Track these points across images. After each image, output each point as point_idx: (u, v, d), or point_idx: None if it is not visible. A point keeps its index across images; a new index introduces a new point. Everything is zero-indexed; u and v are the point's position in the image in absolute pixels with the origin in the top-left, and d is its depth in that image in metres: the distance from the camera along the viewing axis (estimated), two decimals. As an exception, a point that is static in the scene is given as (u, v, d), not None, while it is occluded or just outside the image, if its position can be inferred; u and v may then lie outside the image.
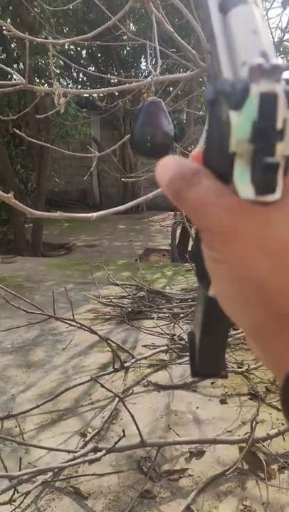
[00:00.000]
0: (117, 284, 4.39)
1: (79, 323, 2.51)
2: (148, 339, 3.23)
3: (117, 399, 2.38)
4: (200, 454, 2.04)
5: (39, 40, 1.86)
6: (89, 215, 1.44)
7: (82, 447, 1.99)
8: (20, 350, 3.07)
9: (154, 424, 2.26)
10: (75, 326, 2.58)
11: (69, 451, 1.90)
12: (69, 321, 2.56)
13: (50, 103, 6.38)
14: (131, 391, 2.55)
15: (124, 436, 1.76)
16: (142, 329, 3.40)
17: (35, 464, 1.92)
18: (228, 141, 0.23)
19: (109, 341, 2.48)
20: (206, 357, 0.42)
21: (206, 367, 0.43)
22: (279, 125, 0.22)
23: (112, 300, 3.94)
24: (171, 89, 8.20)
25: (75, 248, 7.75)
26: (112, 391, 2.13)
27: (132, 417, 1.88)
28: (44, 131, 7.19)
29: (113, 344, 2.76)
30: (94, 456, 1.77)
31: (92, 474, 1.87)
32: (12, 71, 2.03)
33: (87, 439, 2.07)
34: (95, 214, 1.46)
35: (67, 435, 2.16)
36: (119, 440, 1.77)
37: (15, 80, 2.03)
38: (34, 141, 2.81)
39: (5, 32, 1.58)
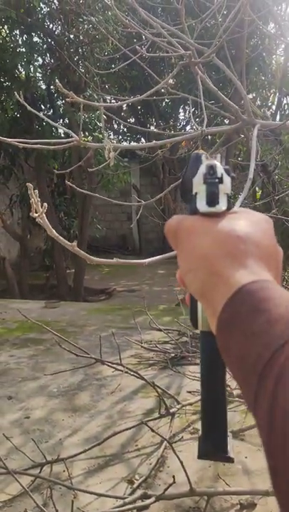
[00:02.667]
0: (159, 329, 4.43)
1: (126, 368, 2.57)
2: (192, 385, 3.22)
3: (164, 445, 2.38)
4: (251, 506, 2.00)
5: (92, 103, 2.05)
6: (142, 261, 1.55)
7: (131, 494, 2.00)
8: (66, 395, 3.13)
9: (202, 473, 2.24)
10: (121, 371, 2.63)
11: (118, 498, 1.92)
12: (116, 365, 2.62)
13: (93, 153, 6.74)
14: (178, 437, 2.55)
15: (174, 482, 1.76)
16: (186, 375, 3.40)
17: (84, 510, 1.94)
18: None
19: (155, 386, 2.51)
20: (211, 429, 0.46)
21: (211, 443, 0.45)
22: (218, 175, 0.43)
23: (155, 345, 3.97)
24: (209, 137, 8.49)
25: (116, 293, 7.88)
26: (160, 435, 2.14)
27: (181, 463, 1.89)
28: (87, 180, 7.55)
29: (158, 390, 2.79)
30: (143, 504, 1.78)
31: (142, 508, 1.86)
32: (59, 126, 2.23)
33: (135, 485, 2.08)
34: (147, 260, 1.56)
35: (114, 481, 2.17)
36: (169, 486, 1.78)
37: (61, 133, 2.22)
38: (79, 190, 3.00)
39: (59, 89, 1.76)
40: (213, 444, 0.46)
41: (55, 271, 8.23)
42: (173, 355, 3.78)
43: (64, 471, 2.20)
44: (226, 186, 0.43)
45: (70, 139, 2.13)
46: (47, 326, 4.67)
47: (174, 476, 1.79)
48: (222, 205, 0.42)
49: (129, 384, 3.24)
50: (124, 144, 12.55)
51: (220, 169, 0.44)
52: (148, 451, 2.44)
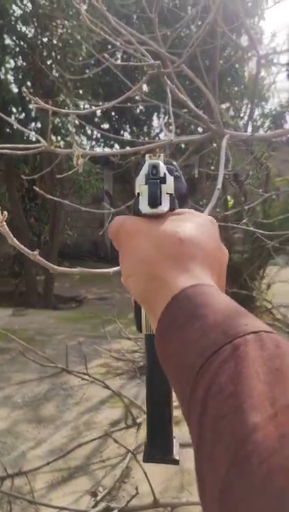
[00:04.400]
0: (129, 338, 4.42)
1: (92, 377, 2.55)
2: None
3: (129, 456, 2.37)
4: None
5: (63, 111, 2.05)
6: (107, 270, 1.55)
7: (94, 507, 1.98)
8: (31, 405, 3.09)
9: (167, 483, 2.24)
10: (87, 380, 2.61)
11: (80, 511, 1.90)
12: (82, 375, 2.60)
13: (65, 159, 6.72)
14: (143, 449, 2.54)
15: (137, 493, 1.76)
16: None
17: (46, 524, 1.91)
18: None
19: (122, 396, 2.51)
20: (156, 432, 0.46)
21: (157, 446, 0.46)
22: (161, 175, 0.42)
23: (124, 354, 3.97)
24: (183, 145, 8.59)
25: (86, 301, 7.82)
26: (125, 447, 2.14)
27: (145, 473, 1.88)
28: (58, 185, 7.50)
29: (125, 399, 2.78)
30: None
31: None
32: (30, 131, 2.22)
33: (98, 498, 2.06)
34: (112, 270, 1.57)
35: (77, 494, 2.15)
36: (132, 498, 1.77)
37: (32, 138, 2.21)
38: (49, 196, 2.98)
39: (33, 106, 1.76)
40: (159, 447, 0.46)
41: (24, 277, 8.12)
42: (142, 364, 3.78)
43: (26, 484, 2.16)
44: (168, 186, 0.42)
45: (38, 145, 2.12)
46: (14, 335, 4.60)
47: (136, 488, 1.78)
48: (164, 206, 0.41)
49: (96, 394, 3.22)
50: (97, 150, 12.56)
51: (162, 169, 0.43)
52: (113, 462, 2.43)
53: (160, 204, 0.41)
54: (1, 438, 2.64)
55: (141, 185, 0.43)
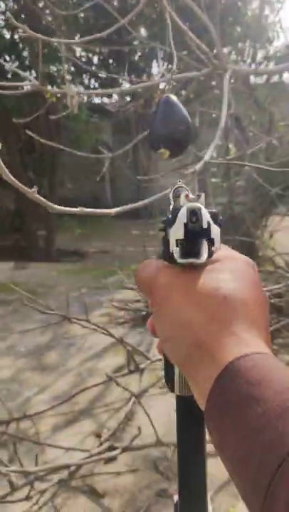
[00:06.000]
0: (131, 288, 4.42)
1: (94, 324, 2.55)
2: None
3: (132, 400, 2.40)
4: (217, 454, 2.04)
5: (53, 40, 1.92)
6: (108, 210, 1.48)
7: (98, 447, 2.02)
8: (34, 354, 3.11)
9: (170, 426, 2.27)
10: (88, 327, 2.61)
11: (84, 451, 1.93)
12: (83, 322, 2.60)
13: (61, 108, 6.50)
14: (146, 392, 2.57)
15: (139, 433, 1.78)
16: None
17: (51, 464, 1.95)
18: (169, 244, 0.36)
19: (124, 343, 2.51)
20: (190, 495, 0.41)
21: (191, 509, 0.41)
22: (204, 225, 0.34)
23: (127, 304, 3.97)
24: (183, 92, 8.28)
25: (88, 255, 7.81)
26: (129, 390, 2.15)
27: (148, 415, 1.90)
28: (56, 137, 7.30)
29: (128, 347, 2.79)
30: (109, 454, 1.80)
31: (108, 473, 1.89)
32: (25, 74, 2.10)
33: (102, 439, 2.10)
34: (114, 210, 1.50)
35: (82, 436, 2.19)
36: (135, 438, 1.80)
37: (28, 86, 2.09)
38: (48, 142, 2.87)
39: (20, 34, 1.64)
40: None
41: (25, 232, 8.08)
42: (144, 313, 3.79)
43: (31, 427, 2.20)
44: (214, 237, 0.35)
45: (28, 83, 2.01)
46: (15, 287, 4.61)
47: (139, 427, 1.80)
48: (203, 256, 0.34)
49: (98, 342, 3.24)
50: (95, 100, 12.14)
51: (205, 216, 0.34)
52: (117, 406, 2.46)
53: (200, 254, 0.35)
54: (5, 385, 2.68)
55: (177, 235, 0.35)
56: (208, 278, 0.35)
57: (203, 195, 0.36)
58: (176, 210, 0.36)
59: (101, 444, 2.00)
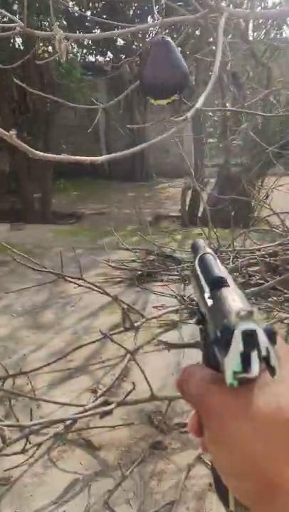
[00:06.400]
0: (127, 249, 4.38)
1: (87, 282, 2.51)
2: (158, 300, 3.23)
3: (128, 356, 2.39)
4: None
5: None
6: (95, 158, 1.40)
7: (93, 402, 2.02)
8: (31, 313, 3.09)
9: (165, 381, 2.27)
10: (84, 286, 2.57)
11: (80, 406, 1.93)
12: (77, 281, 2.56)
13: (54, 66, 6.24)
14: (141, 350, 2.56)
15: (134, 388, 1.77)
16: (152, 291, 3.40)
17: (47, 419, 1.95)
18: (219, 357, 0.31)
19: (119, 301, 2.48)
20: None
21: None
22: (263, 352, 0.29)
23: (123, 264, 3.93)
24: (179, 49, 7.98)
25: (85, 216, 7.72)
26: (124, 347, 2.14)
27: (142, 372, 1.89)
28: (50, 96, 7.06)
29: (123, 305, 2.77)
30: (105, 409, 1.79)
31: (103, 427, 1.89)
32: (14, 17, 1.95)
33: (98, 394, 2.10)
34: (101, 158, 1.42)
35: (78, 392, 2.19)
36: (129, 393, 1.79)
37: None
38: (40, 94, 2.72)
39: None
40: None
41: (21, 195, 7.94)
42: (140, 272, 3.76)
43: (27, 384, 2.19)
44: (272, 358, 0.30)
45: (14, 25, 1.87)
46: (12, 248, 4.54)
47: (133, 383, 1.79)
48: (256, 369, 0.30)
49: (94, 301, 3.22)
50: (90, 58, 11.70)
51: (263, 341, 0.29)
52: (112, 363, 2.46)
53: (252, 368, 0.30)
54: (2, 343, 2.67)
55: (232, 364, 0.30)
56: (266, 397, 0.30)
57: (256, 309, 0.30)
58: (226, 329, 0.30)
59: (96, 399, 2.00)
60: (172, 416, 2.00)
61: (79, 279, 2.53)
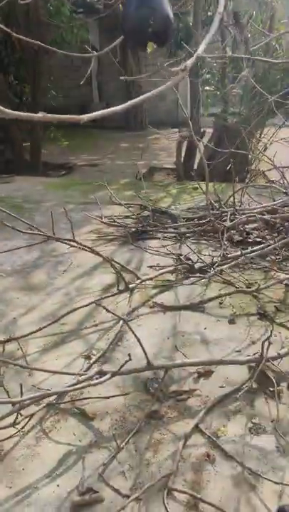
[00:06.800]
0: (120, 204, 4.20)
1: (79, 244, 2.37)
2: (153, 259, 3.11)
3: (121, 322, 2.30)
4: (208, 374, 1.99)
5: None
6: (79, 117, 1.22)
7: (87, 370, 1.94)
8: (21, 272, 2.96)
9: (161, 345, 2.20)
10: (75, 247, 2.43)
11: (73, 374, 1.85)
12: (69, 242, 2.41)
13: (42, 4, 5.75)
14: (136, 313, 2.47)
15: (130, 359, 1.68)
16: (146, 249, 3.27)
17: (40, 387, 1.88)
18: None
19: (112, 262, 2.35)
20: None
21: None
22: None
23: (116, 220, 3.77)
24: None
25: (76, 168, 7.43)
26: (116, 315, 2.04)
27: (138, 340, 1.79)
28: (38, 37, 6.56)
29: (117, 265, 2.65)
30: (99, 381, 1.71)
31: (98, 397, 1.82)
32: None
33: (91, 361, 2.02)
34: (85, 116, 1.24)
35: (71, 357, 2.11)
36: (124, 364, 1.70)
37: None
38: (30, 40, 2.44)
39: None
40: None
41: (10, 144, 7.58)
42: (134, 229, 3.61)
43: (18, 349, 2.10)
44: None
45: None
46: (0, 202, 4.35)
47: (129, 354, 1.70)
48: None
49: (87, 260, 3.09)
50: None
51: None
52: (107, 326, 2.37)
53: None
54: (-9, 305, 2.55)
55: None
56: None
57: None
58: None
59: (90, 366, 1.92)
60: (169, 383, 1.94)
61: (71, 240, 2.38)
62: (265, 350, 1.90)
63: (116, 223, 3.73)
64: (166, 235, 3.54)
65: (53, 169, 7.55)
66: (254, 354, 2.02)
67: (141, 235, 3.54)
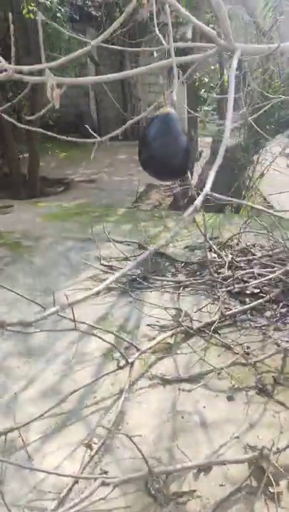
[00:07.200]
0: (119, 242, 4.18)
1: (83, 328, 2.34)
2: (152, 314, 3.07)
3: (123, 397, 2.29)
4: (208, 469, 1.98)
5: None
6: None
7: (89, 461, 1.93)
8: (20, 334, 2.91)
9: (160, 430, 2.18)
10: (80, 327, 2.40)
11: (75, 477, 1.83)
12: (70, 330, 2.38)
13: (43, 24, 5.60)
14: (136, 385, 2.46)
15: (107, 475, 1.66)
16: (145, 302, 3.25)
17: (40, 485, 1.87)
18: None
19: (113, 342, 2.33)
20: None
21: None
22: None
23: (114, 266, 3.74)
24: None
25: (73, 184, 7.37)
26: (118, 392, 2.01)
27: (136, 445, 1.78)
28: (37, 57, 6.43)
29: (116, 323, 2.62)
30: (100, 497, 1.70)
31: (98, 500, 1.80)
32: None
33: (93, 452, 2.01)
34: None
35: (72, 446, 2.09)
36: (125, 480, 1.68)
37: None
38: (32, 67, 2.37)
39: None
40: None
41: (6, 159, 7.48)
42: (133, 277, 3.57)
43: (19, 436, 2.09)
44: None
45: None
46: (0, 239, 4.30)
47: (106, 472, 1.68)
48: None
49: (87, 315, 3.07)
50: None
51: None
52: (107, 404, 2.34)
53: None
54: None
55: None
56: None
57: None
58: None
59: (92, 458, 1.90)
60: (170, 480, 1.93)
61: (71, 320, 2.35)
62: (263, 451, 1.89)
63: (114, 269, 3.70)
64: (164, 283, 3.51)
65: (51, 185, 7.48)
66: (253, 449, 2.01)
67: (140, 284, 3.51)
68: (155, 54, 2.50)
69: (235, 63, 1.64)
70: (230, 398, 2.39)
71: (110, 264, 3.80)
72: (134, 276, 3.58)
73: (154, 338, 2.86)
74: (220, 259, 3.75)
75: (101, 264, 3.79)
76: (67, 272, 3.72)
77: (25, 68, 1.69)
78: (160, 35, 2.02)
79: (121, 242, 4.24)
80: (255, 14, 4.55)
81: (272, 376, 2.53)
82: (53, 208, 5.38)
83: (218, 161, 1.44)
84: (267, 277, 3.36)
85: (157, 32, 2.04)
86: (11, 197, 6.66)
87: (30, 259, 3.95)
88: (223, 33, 1.63)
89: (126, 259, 3.88)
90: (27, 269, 3.77)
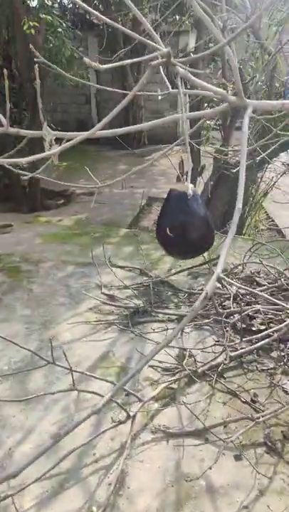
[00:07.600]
0: (121, 267, 4.02)
1: (80, 372, 2.17)
2: (155, 359, 2.90)
3: (124, 456, 2.13)
4: None
5: None
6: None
7: None
8: (17, 374, 2.74)
9: (164, 497, 2.01)
10: (78, 373, 2.23)
11: None
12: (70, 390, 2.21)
13: (42, 41, 5.43)
14: (138, 438, 2.29)
15: None
16: (148, 339, 3.09)
17: None
18: None
19: (113, 399, 2.16)
20: None
21: None
22: None
23: (115, 295, 3.57)
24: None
25: (74, 197, 7.19)
26: (118, 452, 1.84)
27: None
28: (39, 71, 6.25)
29: (117, 363, 2.45)
30: None
31: None
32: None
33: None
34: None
35: (70, 515, 1.92)
36: None
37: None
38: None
39: None
40: None
41: (7, 170, 7.29)
42: (133, 310, 3.41)
43: (12, 504, 1.92)
44: None
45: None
46: (-2, 263, 4.12)
47: None
48: None
49: (87, 356, 2.91)
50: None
51: None
52: (107, 462, 2.18)
53: None
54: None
55: None
56: None
57: None
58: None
59: None
60: None
61: (70, 370, 2.18)
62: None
63: (116, 300, 3.54)
64: (167, 316, 3.35)
65: (51, 197, 7.32)
66: (264, 524, 1.85)
67: (142, 317, 3.34)
68: (160, 98, 2.33)
69: (247, 120, 1.49)
70: (237, 458, 2.22)
71: (111, 292, 3.64)
72: (135, 310, 3.41)
73: (156, 382, 2.70)
74: (223, 289, 3.58)
75: (102, 293, 3.63)
76: (67, 302, 3.55)
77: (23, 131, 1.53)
78: (164, 75, 1.87)
79: (122, 268, 4.08)
80: (261, 35, 4.37)
81: (282, 431, 2.37)
82: (53, 228, 5.20)
83: (233, 228, 1.32)
84: (274, 312, 3.21)
85: (163, 75, 1.88)
86: (12, 209, 6.49)
87: (29, 286, 3.78)
88: (235, 89, 1.48)
89: (127, 287, 3.71)
90: (25, 298, 3.60)
